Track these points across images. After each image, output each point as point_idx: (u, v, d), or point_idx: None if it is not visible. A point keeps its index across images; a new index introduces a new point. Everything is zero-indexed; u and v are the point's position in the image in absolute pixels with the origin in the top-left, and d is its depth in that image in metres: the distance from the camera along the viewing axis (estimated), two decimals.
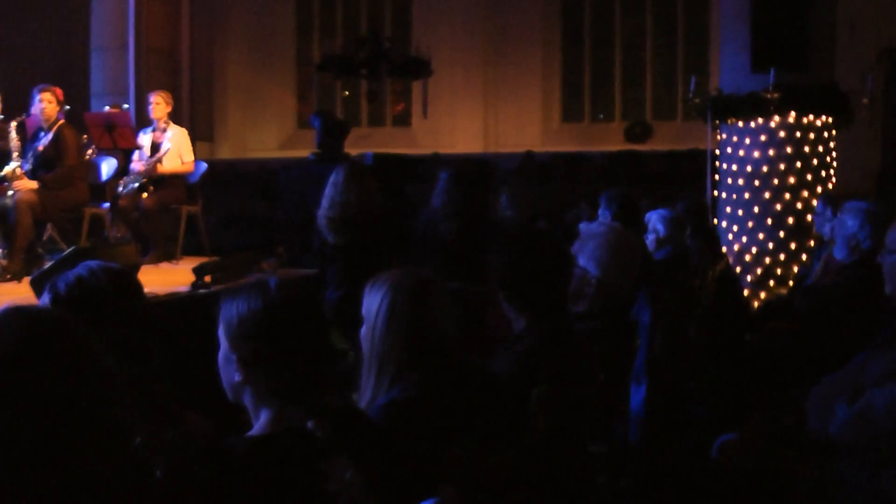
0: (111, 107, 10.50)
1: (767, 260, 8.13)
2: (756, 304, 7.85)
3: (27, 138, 7.90)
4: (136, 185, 8.33)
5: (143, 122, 9.15)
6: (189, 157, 8.74)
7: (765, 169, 8.19)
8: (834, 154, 8.39)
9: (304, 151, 11.67)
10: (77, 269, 2.45)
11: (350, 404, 2.34)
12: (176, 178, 8.65)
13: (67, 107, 8.01)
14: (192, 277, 6.73)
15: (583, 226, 3.82)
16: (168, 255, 8.51)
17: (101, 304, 2.37)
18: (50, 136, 7.67)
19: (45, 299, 2.40)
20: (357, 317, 2.59)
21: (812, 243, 7.68)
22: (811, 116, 8.17)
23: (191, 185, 9.08)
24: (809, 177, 8.16)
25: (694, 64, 16.60)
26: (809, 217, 7.67)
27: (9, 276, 7.12)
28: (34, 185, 7.46)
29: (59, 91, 7.83)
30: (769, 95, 8.03)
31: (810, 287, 5.48)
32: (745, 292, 7.67)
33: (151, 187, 8.37)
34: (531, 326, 2.96)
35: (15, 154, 7.62)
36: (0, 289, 6.83)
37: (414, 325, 2.50)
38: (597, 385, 3.02)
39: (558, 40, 17.63)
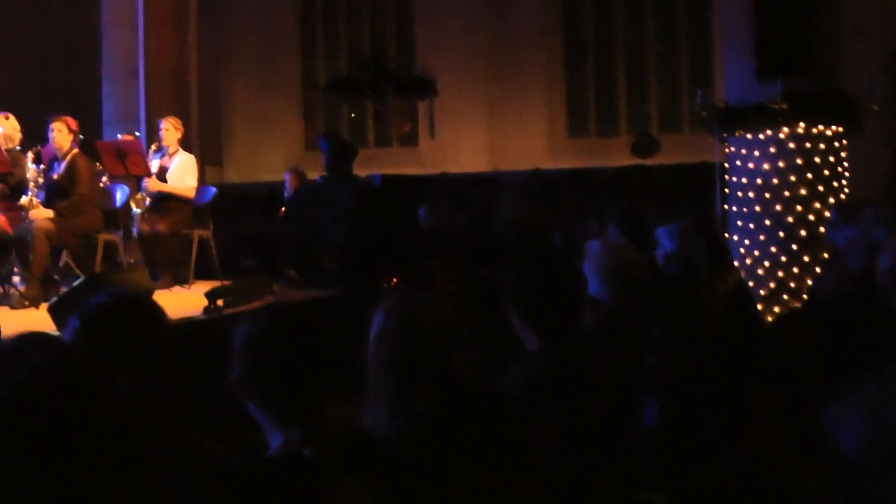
0: (124, 134, 10.59)
1: (780, 273, 8.08)
2: (770, 317, 7.81)
3: (44, 168, 8.01)
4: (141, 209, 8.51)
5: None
6: (191, 182, 8.83)
7: (775, 181, 8.14)
8: (845, 164, 8.35)
9: (312, 174, 11.69)
10: (101, 296, 2.47)
11: (358, 428, 2.35)
12: (181, 203, 8.74)
13: (81, 136, 8.09)
14: (204, 302, 6.79)
15: (588, 243, 3.81)
16: (180, 280, 8.57)
17: (125, 329, 2.39)
18: (64, 165, 7.77)
19: (72, 326, 2.42)
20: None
21: (826, 254, 7.65)
22: (821, 126, 8.13)
23: (200, 209, 9.15)
24: (821, 187, 8.10)
25: (698, 74, 16.59)
26: (822, 228, 7.64)
27: (26, 303, 7.22)
28: (50, 213, 7.55)
29: (70, 120, 7.92)
30: (777, 106, 8.01)
31: (825, 299, 5.46)
32: (759, 306, 7.63)
33: (141, 196, 8.55)
34: (544, 346, 2.96)
35: (31, 184, 7.72)
36: (18, 315, 6.90)
37: (403, 349, 2.51)
38: (609, 403, 3.01)
39: (561, 56, 17.64)
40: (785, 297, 8.05)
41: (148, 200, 8.76)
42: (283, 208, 10.55)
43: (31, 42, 15.54)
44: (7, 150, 7.69)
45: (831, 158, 8.17)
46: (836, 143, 8.22)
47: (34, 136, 8.39)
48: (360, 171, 10.96)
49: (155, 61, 13.75)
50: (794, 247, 8.06)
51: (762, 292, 8.08)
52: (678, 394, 4.12)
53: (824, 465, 2.93)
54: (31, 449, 1.40)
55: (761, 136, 8.21)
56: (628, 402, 3.28)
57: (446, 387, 2.52)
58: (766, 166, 8.19)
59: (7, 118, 8.14)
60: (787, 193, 8.11)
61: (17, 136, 8.15)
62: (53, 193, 7.80)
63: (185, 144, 9.40)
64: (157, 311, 2.56)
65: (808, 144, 8.10)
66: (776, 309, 8.00)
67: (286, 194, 11.14)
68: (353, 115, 18.23)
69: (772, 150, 8.16)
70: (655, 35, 17.42)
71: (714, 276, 5.73)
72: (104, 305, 2.44)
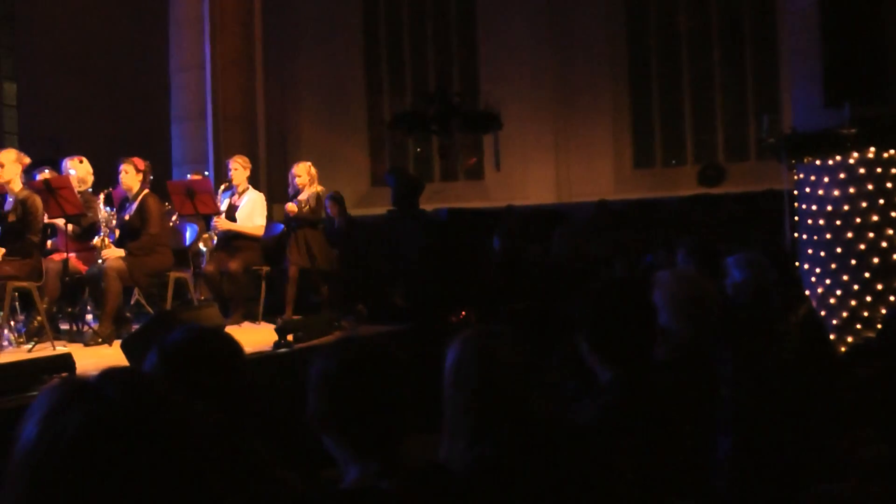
0: (193, 174, 10.78)
1: (853, 302, 7.90)
2: (843, 348, 7.65)
3: (115, 209, 8.20)
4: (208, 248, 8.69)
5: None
6: (260, 221, 8.96)
7: (845, 207, 7.99)
8: None
9: (379, 209, 11.79)
10: (180, 331, 2.51)
11: (434, 462, 2.35)
12: (250, 241, 8.88)
13: (151, 177, 8.27)
14: (274, 337, 6.86)
15: (658, 274, 3.79)
16: (250, 316, 8.67)
17: (205, 364, 2.42)
18: (135, 205, 7.95)
19: (150, 362, 2.45)
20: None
21: None
22: (892, 151, 7.94)
23: (268, 245, 9.29)
24: (893, 213, 7.91)
25: (764, 102, 16.44)
26: (895, 256, 7.49)
27: (100, 340, 7.36)
28: (121, 252, 7.70)
29: (138, 161, 8.09)
30: (845, 131, 7.87)
31: None
32: (831, 337, 7.48)
33: (208, 235, 8.71)
34: (617, 378, 2.94)
35: (103, 224, 7.91)
36: (91, 352, 7.04)
37: (481, 382, 2.51)
38: (683, 436, 2.98)
39: (626, 86, 17.60)
40: (857, 327, 7.88)
41: (215, 239, 8.91)
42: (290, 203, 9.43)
43: (102, 88, 16.01)
44: (80, 193, 7.88)
45: None
46: None
47: (107, 178, 8.60)
48: (427, 205, 11.05)
49: (223, 102, 14.01)
50: (867, 275, 7.89)
51: (834, 322, 7.91)
52: (751, 426, 4.06)
53: None
54: (114, 482, 1.42)
55: (830, 162, 8.07)
56: (702, 434, 3.24)
57: (523, 420, 2.51)
58: (835, 193, 8.04)
59: (81, 161, 8.35)
60: (858, 220, 7.94)
61: (90, 178, 8.37)
62: (125, 233, 7.97)
63: (253, 182, 9.55)
64: (236, 345, 2.59)
65: (878, 170, 7.92)
66: (849, 339, 7.83)
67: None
68: (418, 150, 18.36)
69: (841, 176, 8.01)
70: (721, 64, 17.30)
71: (785, 306, 5.65)
72: (184, 340, 2.47)
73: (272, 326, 7.31)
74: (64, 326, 8.17)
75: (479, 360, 2.52)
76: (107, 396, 1.43)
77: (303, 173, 9.32)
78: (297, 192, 9.29)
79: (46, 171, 8.48)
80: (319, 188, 9.35)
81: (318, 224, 9.31)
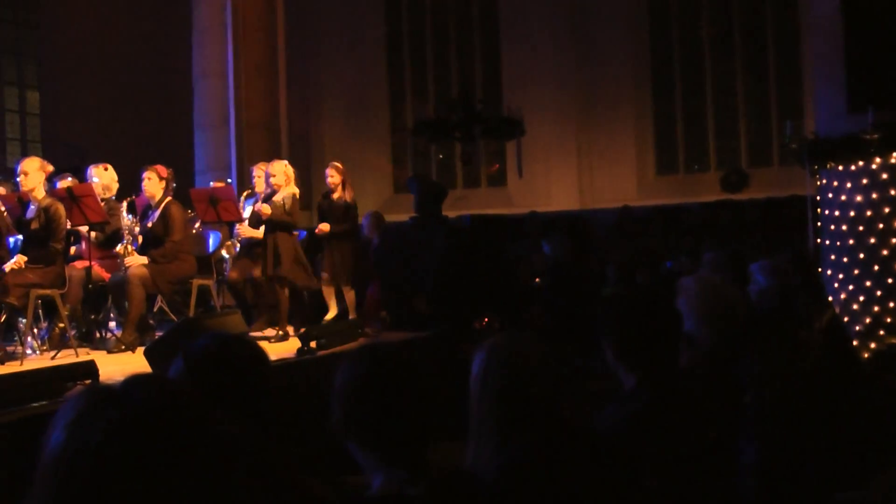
0: (216, 181, 10.81)
1: (876, 308, 7.85)
2: (866, 355, 7.60)
3: (137, 216, 8.25)
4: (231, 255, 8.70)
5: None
6: None
7: (868, 213, 7.95)
8: None
9: (402, 215, 11.79)
10: (206, 338, 2.51)
11: (460, 469, 2.35)
12: None
13: (174, 184, 8.30)
14: (297, 344, 6.88)
15: (682, 280, 3.79)
16: (273, 323, 8.69)
17: (231, 371, 2.43)
18: (157, 213, 7.98)
19: (176, 368, 2.46)
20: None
21: None
22: None
23: None
24: None
25: (787, 107, 16.35)
26: None
27: (123, 347, 7.40)
28: (144, 260, 7.75)
29: (161, 169, 8.13)
30: (868, 136, 7.83)
31: None
32: (854, 343, 7.43)
33: (231, 242, 8.70)
34: (642, 385, 2.94)
35: (126, 232, 7.96)
36: (115, 359, 7.08)
37: (508, 389, 2.51)
38: (708, 443, 2.97)
39: (649, 93, 17.54)
40: (881, 333, 7.82)
41: (238, 247, 8.92)
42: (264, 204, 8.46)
43: (125, 96, 16.14)
44: (103, 200, 7.94)
45: None
46: None
47: (130, 186, 8.66)
48: (450, 211, 11.02)
49: (246, 110, 14.08)
50: (890, 281, 7.84)
51: (857, 328, 7.86)
52: (775, 432, 4.04)
53: None
54: (139, 488, 1.42)
55: (853, 168, 8.03)
56: (726, 440, 3.23)
57: (550, 426, 2.51)
58: (858, 198, 8.00)
59: (106, 169, 8.41)
60: (881, 226, 7.90)
61: (115, 186, 8.43)
62: (148, 241, 8.02)
63: None
64: (260, 352, 2.59)
65: None
66: (872, 346, 7.78)
67: None
68: (441, 156, 18.37)
69: (864, 181, 7.97)
70: (744, 69, 17.23)
71: (809, 312, 5.62)
72: (209, 347, 2.47)
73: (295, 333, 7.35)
74: (87, 334, 8.22)
75: (506, 366, 2.52)
76: (132, 403, 1.43)
77: (278, 173, 8.54)
78: (273, 192, 8.55)
79: (69, 178, 8.55)
80: (296, 190, 8.62)
81: (292, 229, 8.56)
